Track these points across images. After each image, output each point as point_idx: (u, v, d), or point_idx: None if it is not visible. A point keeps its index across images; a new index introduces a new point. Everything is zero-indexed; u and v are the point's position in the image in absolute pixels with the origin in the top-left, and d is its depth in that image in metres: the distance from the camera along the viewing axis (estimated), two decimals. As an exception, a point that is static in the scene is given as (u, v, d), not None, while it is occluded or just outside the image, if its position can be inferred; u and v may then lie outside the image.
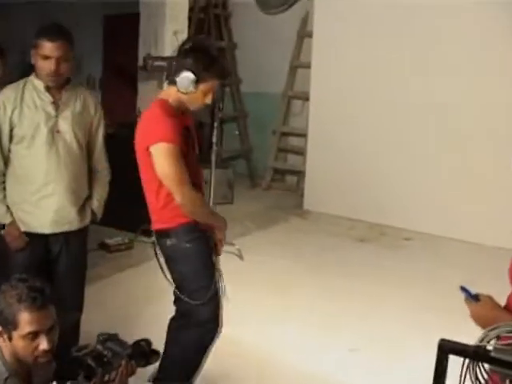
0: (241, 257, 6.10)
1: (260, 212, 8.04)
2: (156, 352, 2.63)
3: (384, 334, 4.65)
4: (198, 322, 3.29)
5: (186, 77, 3.07)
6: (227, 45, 9.59)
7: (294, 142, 9.55)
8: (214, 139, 6.23)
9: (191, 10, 7.88)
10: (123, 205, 5.29)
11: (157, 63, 6.33)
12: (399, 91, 7.36)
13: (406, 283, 5.63)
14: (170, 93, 3.21)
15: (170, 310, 3.47)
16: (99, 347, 2.41)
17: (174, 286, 3.35)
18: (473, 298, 2.05)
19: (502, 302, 2.11)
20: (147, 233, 3.80)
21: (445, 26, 7.04)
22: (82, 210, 3.56)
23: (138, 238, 6.12)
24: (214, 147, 6.25)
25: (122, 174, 3.89)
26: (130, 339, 2.55)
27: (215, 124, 6.21)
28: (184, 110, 3.24)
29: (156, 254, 3.37)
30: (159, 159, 3.07)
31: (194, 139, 3.33)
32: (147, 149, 3.10)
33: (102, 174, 3.68)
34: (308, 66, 8.40)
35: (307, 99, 8.52)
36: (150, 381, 3.46)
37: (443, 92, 7.08)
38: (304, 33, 9.05)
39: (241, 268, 5.86)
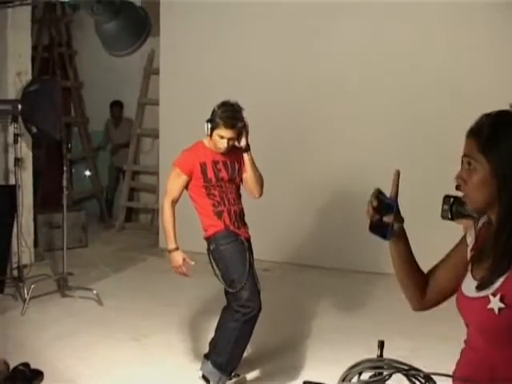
0: (100, 302, 5.93)
1: (116, 254, 7.90)
2: (39, 372, 2.53)
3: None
4: (240, 304, 4.07)
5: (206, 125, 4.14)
6: (73, 84, 9.40)
7: (145, 180, 9.49)
8: (65, 182, 6.05)
9: (34, 48, 7.66)
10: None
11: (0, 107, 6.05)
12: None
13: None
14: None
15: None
16: None
17: (222, 281, 4.14)
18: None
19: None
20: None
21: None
22: None
23: None
24: (65, 191, 6.06)
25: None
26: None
27: (64, 167, 6.03)
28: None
29: (209, 257, 4.18)
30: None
31: (227, 169, 4.22)
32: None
33: None
34: (156, 103, 8.39)
35: (157, 136, 8.50)
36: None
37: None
38: (150, 70, 9.05)
39: (100, 314, 5.72)
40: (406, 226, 1.95)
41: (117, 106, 9.46)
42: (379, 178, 6.74)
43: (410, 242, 1.99)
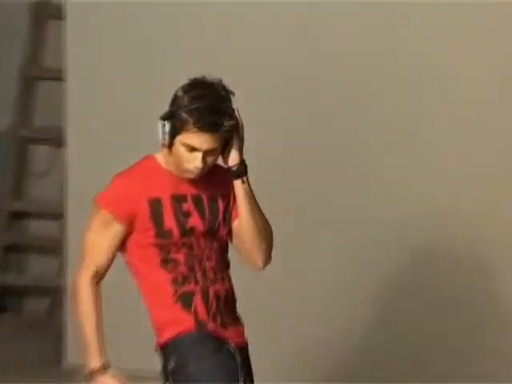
0: None
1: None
2: None
3: None
4: None
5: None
6: None
7: (38, 229, 9.61)
8: None
9: None
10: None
11: None
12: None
13: None
14: None
15: None
16: None
17: None
18: None
19: None
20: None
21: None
22: None
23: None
24: None
25: None
26: None
27: None
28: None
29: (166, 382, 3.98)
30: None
31: (202, 212, 3.95)
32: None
33: None
34: (58, 77, 8.23)
35: (60, 144, 8.33)
36: None
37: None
38: (45, 11, 9.44)
39: None
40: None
41: None
42: (483, 237, 7.09)
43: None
